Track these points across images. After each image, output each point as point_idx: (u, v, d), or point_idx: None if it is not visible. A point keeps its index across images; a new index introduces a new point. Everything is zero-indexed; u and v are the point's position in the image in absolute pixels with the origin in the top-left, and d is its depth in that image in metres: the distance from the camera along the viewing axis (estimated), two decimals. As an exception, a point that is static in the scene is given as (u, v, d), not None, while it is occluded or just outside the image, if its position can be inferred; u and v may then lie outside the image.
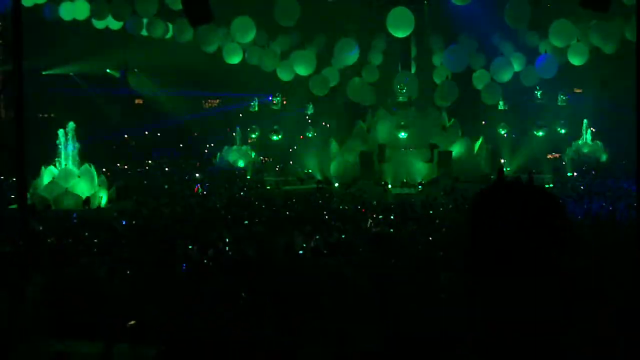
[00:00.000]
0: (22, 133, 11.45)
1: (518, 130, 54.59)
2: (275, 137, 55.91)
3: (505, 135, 52.43)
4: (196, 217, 26.33)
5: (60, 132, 35.33)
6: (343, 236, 19.88)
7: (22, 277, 11.21)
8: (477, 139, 45.52)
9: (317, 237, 19.69)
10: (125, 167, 58.33)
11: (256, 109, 57.82)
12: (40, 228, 23.06)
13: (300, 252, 17.42)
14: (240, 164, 56.06)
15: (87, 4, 36.48)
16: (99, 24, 38.01)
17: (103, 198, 34.12)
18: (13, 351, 10.50)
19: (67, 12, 36.57)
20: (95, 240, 20.15)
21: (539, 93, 51.76)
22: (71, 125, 35.65)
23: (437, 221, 23.60)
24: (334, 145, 45.01)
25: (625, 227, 19.93)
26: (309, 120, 56.21)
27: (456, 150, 43.41)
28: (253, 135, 59.43)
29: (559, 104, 54.11)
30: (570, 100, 54.56)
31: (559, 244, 2.16)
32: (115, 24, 38.07)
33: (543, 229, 2.14)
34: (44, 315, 11.43)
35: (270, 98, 54.91)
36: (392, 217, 25.21)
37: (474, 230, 2.20)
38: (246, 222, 23.94)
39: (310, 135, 52.46)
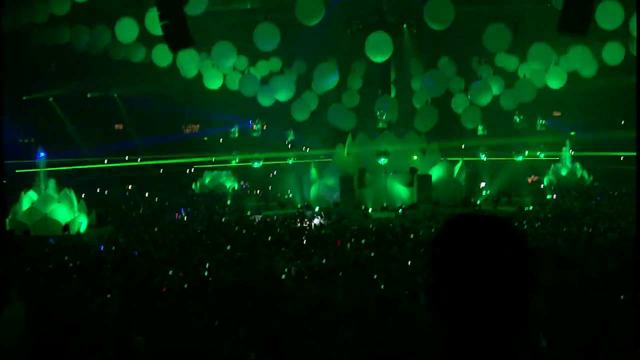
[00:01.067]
0: (2, 157, 11.38)
1: (497, 154, 55.05)
2: (256, 165, 56.13)
3: (485, 159, 52.84)
4: (176, 242, 26.23)
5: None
6: (324, 261, 19.83)
7: (2, 296, 11.08)
8: (457, 163, 45.68)
9: (299, 262, 19.67)
10: (105, 192, 58.07)
11: (236, 135, 58.04)
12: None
13: (283, 276, 17.37)
14: (221, 189, 56.07)
15: (68, 29, 36.50)
16: (79, 49, 38.00)
17: (83, 223, 33.91)
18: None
19: (49, 36, 36.58)
20: (72, 265, 20.05)
21: (517, 118, 52.31)
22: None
23: (417, 245, 23.60)
24: (314, 170, 45.03)
25: (603, 249, 19.99)
26: (289, 146, 56.43)
27: (436, 174, 43.52)
28: (233, 162, 59.55)
29: (538, 129, 54.68)
30: (550, 123, 55.15)
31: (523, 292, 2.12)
32: (95, 49, 38.08)
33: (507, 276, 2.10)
34: (22, 342, 11.31)
35: (250, 124, 55.15)
36: (373, 239, 25.26)
37: (434, 272, 2.16)
38: (228, 247, 23.87)
39: (290, 162, 52.57)
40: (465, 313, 2.04)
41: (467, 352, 2.05)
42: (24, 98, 53.95)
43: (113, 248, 25.00)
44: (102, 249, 24.56)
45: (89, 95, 58.41)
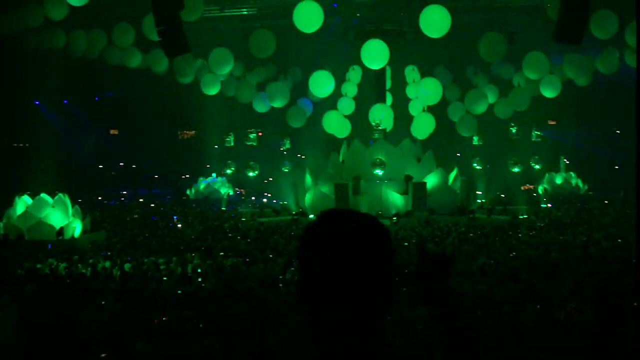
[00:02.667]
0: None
1: (493, 164, 55.19)
2: (251, 174, 56.16)
3: (480, 168, 52.95)
4: (171, 248, 26.23)
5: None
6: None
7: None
8: (452, 171, 45.68)
9: (293, 268, 19.65)
10: (99, 198, 58.04)
11: (232, 144, 58.06)
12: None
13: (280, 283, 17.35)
14: (215, 195, 56.05)
15: (64, 33, 36.48)
16: (75, 53, 37.96)
17: (77, 228, 33.84)
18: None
19: (44, 40, 36.55)
20: (69, 271, 20.02)
21: (514, 129, 52.47)
22: None
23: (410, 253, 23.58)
24: (308, 177, 45.00)
25: (597, 259, 19.98)
26: (285, 153, 56.45)
27: (431, 181, 43.53)
28: (229, 171, 59.57)
29: (533, 139, 54.82)
30: (545, 133, 55.30)
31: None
32: (91, 53, 38.05)
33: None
34: (14, 346, 11.30)
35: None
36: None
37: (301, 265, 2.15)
38: (221, 253, 23.86)
39: (286, 170, 52.56)
40: (327, 307, 2.03)
41: (332, 347, 2.04)
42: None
43: (108, 253, 24.94)
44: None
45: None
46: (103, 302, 14.55)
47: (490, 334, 11.16)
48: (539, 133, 55.81)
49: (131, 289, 16.23)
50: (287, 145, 58.05)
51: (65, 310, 14.14)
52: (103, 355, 11.73)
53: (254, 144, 57.80)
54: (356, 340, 2.02)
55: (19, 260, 22.51)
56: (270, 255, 22.88)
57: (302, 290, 2.09)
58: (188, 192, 59.22)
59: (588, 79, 38.74)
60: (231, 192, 58.20)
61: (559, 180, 56.97)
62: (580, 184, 56.86)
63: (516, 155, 56.58)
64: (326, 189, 43.49)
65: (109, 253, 24.98)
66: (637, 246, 11.53)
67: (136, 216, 43.64)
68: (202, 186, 58.82)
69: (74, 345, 12.71)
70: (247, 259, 21.92)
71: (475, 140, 52.48)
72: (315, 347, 2.04)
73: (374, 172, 42.58)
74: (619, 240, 24.92)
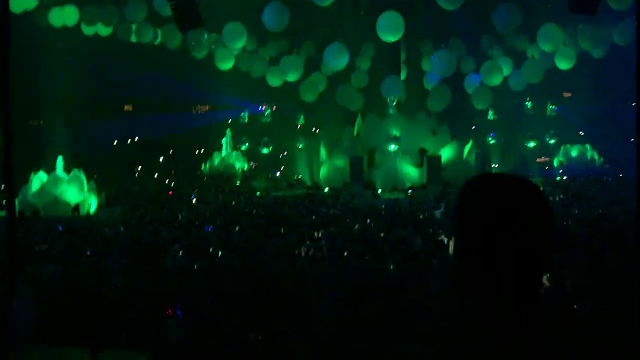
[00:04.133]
0: (10, 138, 11.36)
1: (508, 138, 54.96)
2: (265, 150, 56.12)
3: (494, 142, 52.74)
4: (185, 223, 26.24)
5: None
6: (333, 242, 19.81)
7: (10, 284, 11.10)
8: (467, 143, 45.50)
9: (308, 242, 19.66)
10: (114, 174, 58.18)
11: (246, 120, 57.98)
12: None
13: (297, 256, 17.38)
14: (230, 170, 55.98)
15: (77, 10, 36.38)
16: (88, 30, 37.89)
17: (92, 205, 33.97)
18: (2, 357, 10.42)
19: (56, 18, 36.43)
20: (83, 247, 20.06)
21: (529, 104, 52.10)
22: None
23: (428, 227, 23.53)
24: (323, 151, 44.93)
25: (615, 233, 19.84)
26: (299, 127, 56.35)
27: (445, 154, 43.42)
28: (243, 147, 59.45)
29: (548, 114, 54.43)
30: (559, 107, 54.91)
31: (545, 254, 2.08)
32: (104, 30, 37.97)
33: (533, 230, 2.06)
34: (33, 322, 11.34)
35: (261, 109, 55.11)
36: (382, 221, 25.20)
37: (459, 224, 2.12)
38: (237, 228, 23.86)
39: (300, 146, 52.55)
40: (488, 270, 2.01)
41: (485, 312, 2.02)
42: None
43: (122, 229, 25.00)
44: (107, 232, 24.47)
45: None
46: (121, 279, 14.63)
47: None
48: (553, 107, 55.43)
49: (146, 264, 16.27)
50: (302, 121, 57.95)
51: (83, 287, 14.21)
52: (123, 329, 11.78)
53: (268, 120, 57.69)
54: (522, 307, 2.01)
55: (35, 238, 22.57)
56: (282, 230, 22.91)
57: (462, 258, 2.06)
58: (203, 167, 59.16)
59: (604, 50, 38.41)
60: (246, 167, 58.15)
61: (574, 152, 56.61)
62: (596, 157, 56.48)
63: (531, 129, 56.29)
64: (341, 162, 43.46)
65: (122, 229, 25.06)
66: (637, 246, 11.42)
67: (152, 191, 43.71)
68: (216, 161, 58.74)
69: (91, 322, 12.76)
70: (262, 234, 21.92)
71: (490, 115, 52.16)
72: (479, 317, 2.02)
73: (389, 148, 42.51)
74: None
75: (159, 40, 39.35)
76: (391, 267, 15.42)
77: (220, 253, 17.83)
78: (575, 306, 11.99)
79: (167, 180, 51.79)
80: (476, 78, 43.12)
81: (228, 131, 58.47)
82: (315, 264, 16.06)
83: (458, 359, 2.01)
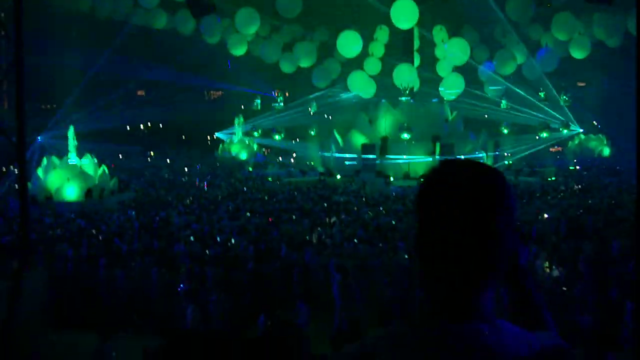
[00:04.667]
0: (23, 123, 11.38)
1: (521, 127, 54.75)
2: (277, 137, 56.09)
3: (507, 132, 52.55)
4: (197, 209, 26.25)
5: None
6: (343, 227, 19.79)
7: (22, 268, 11.14)
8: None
9: (319, 229, 19.65)
10: (127, 158, 58.30)
11: (259, 107, 57.92)
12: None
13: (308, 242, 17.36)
14: (243, 156, 55.88)
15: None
16: (101, 15, 37.93)
17: (105, 189, 33.99)
18: (13, 341, 10.47)
19: (70, 2, 36.52)
20: (95, 232, 20.11)
21: (542, 94, 51.81)
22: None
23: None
24: (337, 137, 44.87)
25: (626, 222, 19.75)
26: (312, 113, 56.22)
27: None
28: (256, 134, 59.33)
29: (561, 104, 54.10)
30: (573, 95, 54.59)
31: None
32: (118, 15, 38.01)
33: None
34: (44, 306, 11.40)
35: (274, 94, 55.07)
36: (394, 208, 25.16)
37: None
38: (248, 214, 23.85)
39: (313, 133, 52.40)
40: (440, 255, 1.94)
41: (439, 297, 1.95)
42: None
43: (134, 214, 25.05)
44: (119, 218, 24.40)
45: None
46: (132, 264, 14.65)
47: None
48: (566, 98, 55.06)
49: (158, 249, 16.29)
50: (314, 109, 57.77)
51: (94, 269, 14.26)
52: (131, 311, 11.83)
53: (281, 106, 57.57)
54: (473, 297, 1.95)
55: (47, 223, 22.65)
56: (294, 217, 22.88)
57: (421, 245, 1.99)
58: (215, 153, 59.10)
59: (619, 40, 38.16)
60: (258, 154, 58.10)
61: (587, 142, 56.29)
62: (609, 147, 56.11)
63: (544, 119, 56.00)
64: (353, 149, 43.44)
65: (133, 213, 25.12)
66: (637, 246, 11.36)
67: (166, 176, 43.79)
68: (229, 147, 58.63)
69: (102, 304, 12.83)
70: (274, 220, 21.92)
71: (504, 104, 51.87)
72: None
73: (401, 137, 42.43)
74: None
75: (172, 25, 39.35)
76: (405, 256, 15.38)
77: (232, 240, 17.81)
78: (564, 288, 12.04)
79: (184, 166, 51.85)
80: (490, 66, 42.98)
81: (241, 117, 58.23)
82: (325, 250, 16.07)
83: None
